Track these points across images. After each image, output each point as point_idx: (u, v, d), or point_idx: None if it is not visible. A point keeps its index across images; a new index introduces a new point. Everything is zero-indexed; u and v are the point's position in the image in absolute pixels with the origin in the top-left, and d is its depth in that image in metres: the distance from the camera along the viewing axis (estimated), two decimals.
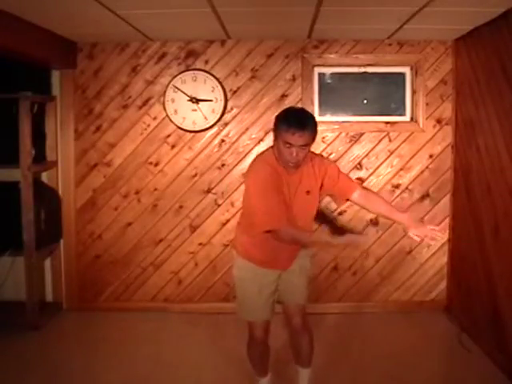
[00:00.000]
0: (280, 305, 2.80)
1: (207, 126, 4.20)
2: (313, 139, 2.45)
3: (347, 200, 2.75)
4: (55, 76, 4.25)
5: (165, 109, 4.19)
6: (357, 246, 2.46)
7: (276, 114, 2.53)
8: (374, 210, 2.82)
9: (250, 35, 4.05)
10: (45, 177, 4.32)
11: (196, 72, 4.17)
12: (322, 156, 2.81)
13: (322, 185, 2.64)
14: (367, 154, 4.23)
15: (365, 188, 2.86)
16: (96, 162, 4.30)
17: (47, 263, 4.38)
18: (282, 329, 2.83)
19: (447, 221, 4.25)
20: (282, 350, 3.17)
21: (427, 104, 4.17)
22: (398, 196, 4.26)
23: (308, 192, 2.58)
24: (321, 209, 4.03)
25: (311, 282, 2.99)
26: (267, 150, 2.63)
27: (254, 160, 2.63)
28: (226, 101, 4.20)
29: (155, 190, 4.30)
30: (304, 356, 2.85)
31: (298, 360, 2.89)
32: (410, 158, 4.22)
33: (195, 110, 4.17)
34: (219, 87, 4.16)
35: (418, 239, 2.55)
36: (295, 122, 2.38)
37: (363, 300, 4.34)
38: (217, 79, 4.17)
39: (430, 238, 2.51)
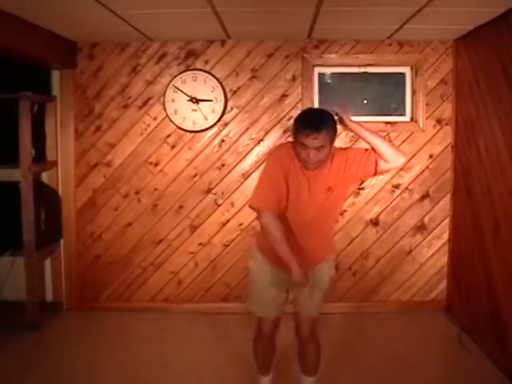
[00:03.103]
0: (291, 305, 2.77)
1: (207, 126, 4.20)
2: (330, 141, 2.38)
3: (380, 171, 2.56)
4: (55, 76, 4.25)
5: (165, 109, 4.19)
6: (295, 277, 2.42)
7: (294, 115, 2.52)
8: (385, 154, 2.51)
9: (250, 35, 4.05)
10: (45, 177, 4.32)
11: (196, 72, 4.17)
12: (341, 148, 2.61)
13: (347, 177, 2.52)
14: None
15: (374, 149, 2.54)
16: (96, 162, 4.30)
17: (47, 263, 4.38)
18: (287, 329, 2.82)
19: (447, 221, 4.25)
20: (286, 350, 3.16)
21: (427, 104, 4.17)
22: (398, 196, 4.26)
23: (329, 188, 2.50)
24: None
25: None
26: (292, 142, 2.56)
27: (277, 146, 2.66)
28: (226, 101, 4.20)
29: (155, 190, 4.30)
30: (309, 365, 2.84)
31: (303, 368, 2.88)
32: (410, 158, 4.22)
33: (195, 110, 4.18)
34: (219, 87, 4.16)
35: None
36: (309, 123, 2.34)
37: (363, 300, 4.34)
38: (217, 79, 4.17)
39: None
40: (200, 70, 4.18)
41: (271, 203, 2.46)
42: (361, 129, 2.52)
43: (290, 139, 2.54)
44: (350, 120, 2.54)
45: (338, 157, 2.52)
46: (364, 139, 2.52)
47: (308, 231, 2.55)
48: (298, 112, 2.53)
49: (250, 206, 2.55)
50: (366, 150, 2.53)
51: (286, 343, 3.01)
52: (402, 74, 4.25)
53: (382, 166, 2.49)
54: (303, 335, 2.76)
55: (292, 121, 2.51)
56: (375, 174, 2.57)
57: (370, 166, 2.51)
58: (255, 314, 2.76)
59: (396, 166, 2.57)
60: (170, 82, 4.17)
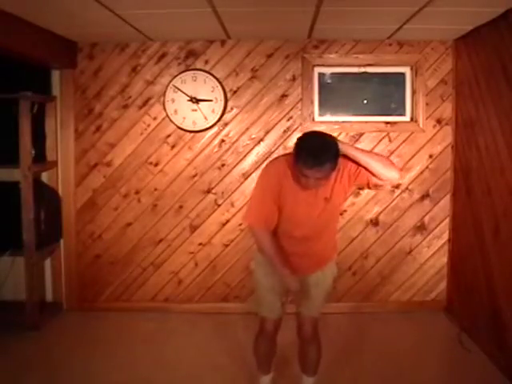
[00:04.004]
0: (293, 305, 2.78)
1: (207, 125, 4.20)
2: (332, 170, 2.34)
3: (374, 186, 2.60)
4: (55, 76, 4.25)
5: (165, 109, 4.19)
6: (287, 285, 2.52)
7: (297, 136, 2.39)
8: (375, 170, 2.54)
9: (250, 35, 4.05)
10: (45, 177, 4.32)
11: (196, 72, 4.17)
12: None
13: (344, 186, 2.52)
14: None
15: None
16: (96, 161, 4.30)
17: (47, 263, 4.38)
18: (287, 328, 2.82)
19: (447, 221, 4.26)
20: (286, 350, 3.16)
21: (427, 104, 4.17)
22: (398, 196, 4.26)
23: (326, 199, 2.49)
24: None
25: None
26: (288, 154, 2.53)
27: (270, 161, 2.64)
28: (226, 101, 4.20)
29: (155, 190, 4.30)
30: (310, 365, 2.85)
31: (304, 368, 2.89)
32: (410, 158, 4.22)
33: (195, 110, 4.17)
34: (219, 87, 4.16)
35: None
36: (313, 157, 2.25)
37: (363, 300, 4.34)
38: (217, 79, 4.17)
39: None
40: (200, 70, 4.18)
41: (263, 220, 2.50)
42: (353, 151, 2.48)
43: (290, 140, 2.53)
44: (341, 142, 2.46)
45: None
46: (355, 160, 2.46)
47: (310, 241, 2.58)
48: (301, 136, 2.39)
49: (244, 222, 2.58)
50: (358, 166, 2.50)
51: (287, 342, 3.01)
52: (402, 74, 4.25)
53: (375, 181, 2.49)
54: (305, 335, 2.77)
55: (294, 145, 2.38)
56: (369, 188, 2.60)
57: (362, 182, 2.53)
58: (259, 314, 2.77)
59: (389, 183, 2.54)
60: (170, 81, 4.17)
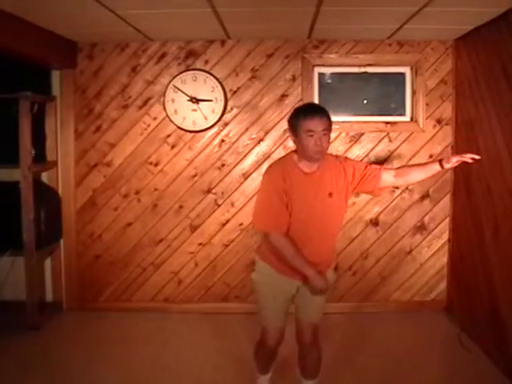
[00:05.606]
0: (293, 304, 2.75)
1: (207, 126, 4.20)
2: (330, 127, 2.45)
3: (382, 188, 2.69)
4: (55, 76, 4.25)
5: (165, 109, 4.19)
6: (314, 285, 2.46)
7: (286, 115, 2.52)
8: (413, 181, 2.96)
9: (250, 35, 4.05)
10: (45, 177, 4.32)
11: (196, 72, 4.17)
12: (337, 156, 2.72)
13: (347, 187, 2.57)
14: (367, 155, 4.23)
15: (389, 168, 2.76)
16: (96, 161, 4.30)
17: (47, 263, 4.38)
18: (288, 330, 2.80)
19: (447, 221, 4.26)
20: (287, 352, 3.15)
21: (427, 104, 4.17)
22: (398, 196, 4.26)
23: (330, 194, 2.50)
24: None
25: None
26: (288, 153, 2.63)
27: (272, 162, 2.66)
28: (226, 101, 4.20)
29: (155, 190, 4.30)
30: (310, 370, 2.82)
31: (304, 373, 2.86)
32: (410, 158, 4.22)
33: (195, 110, 4.18)
34: (219, 87, 4.16)
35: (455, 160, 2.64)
36: (310, 109, 2.48)
37: (363, 300, 4.34)
38: (217, 79, 4.17)
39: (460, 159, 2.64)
40: (200, 70, 4.18)
41: (277, 223, 2.46)
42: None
43: (290, 140, 2.56)
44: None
45: (337, 164, 2.58)
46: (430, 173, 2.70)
47: (314, 245, 2.53)
48: (292, 111, 2.55)
49: (256, 228, 2.59)
50: (367, 166, 2.63)
51: (287, 344, 2.99)
52: (402, 74, 4.25)
53: (384, 183, 2.64)
54: (305, 342, 2.73)
55: (288, 119, 2.53)
56: (373, 190, 2.68)
57: (372, 182, 2.61)
58: (262, 324, 2.72)
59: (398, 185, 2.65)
60: (170, 81, 4.17)
